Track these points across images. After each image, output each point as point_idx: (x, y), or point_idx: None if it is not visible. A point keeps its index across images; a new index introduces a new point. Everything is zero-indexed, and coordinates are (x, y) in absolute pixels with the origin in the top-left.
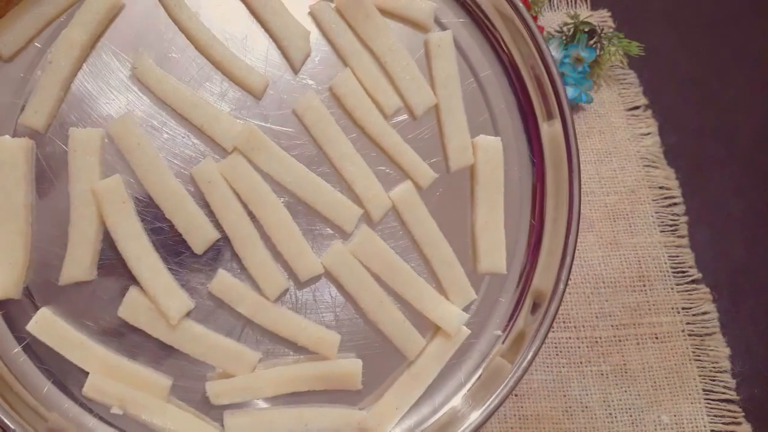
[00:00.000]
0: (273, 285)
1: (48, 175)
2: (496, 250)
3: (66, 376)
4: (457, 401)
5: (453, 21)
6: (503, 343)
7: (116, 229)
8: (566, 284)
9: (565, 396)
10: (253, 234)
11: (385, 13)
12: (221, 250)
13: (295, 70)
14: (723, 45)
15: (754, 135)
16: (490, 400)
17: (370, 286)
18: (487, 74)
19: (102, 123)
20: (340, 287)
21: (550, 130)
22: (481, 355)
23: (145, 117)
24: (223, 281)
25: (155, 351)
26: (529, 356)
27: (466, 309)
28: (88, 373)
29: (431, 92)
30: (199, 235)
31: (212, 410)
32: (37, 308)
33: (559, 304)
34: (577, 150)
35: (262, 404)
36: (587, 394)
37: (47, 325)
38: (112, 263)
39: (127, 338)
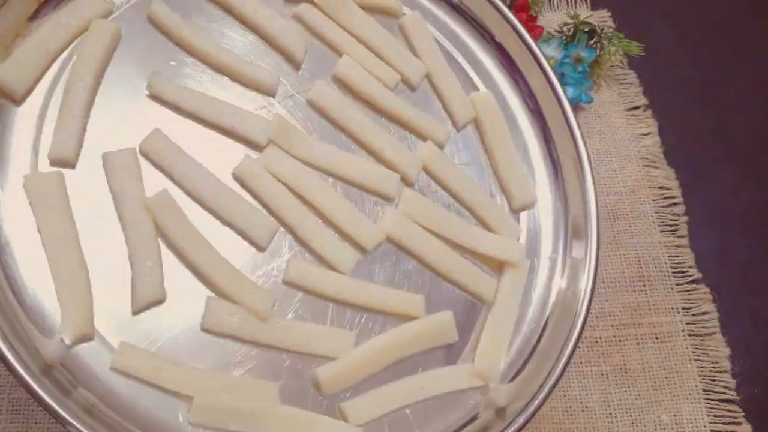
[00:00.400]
0: (345, 259)
1: (87, 205)
2: (522, 184)
3: (165, 405)
4: (543, 328)
5: (420, 2)
6: (563, 271)
7: (180, 241)
8: (597, 201)
9: (564, 396)
10: (312, 216)
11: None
12: (282, 242)
13: (297, 67)
14: (723, 45)
15: (754, 135)
16: (574, 321)
17: (431, 240)
18: (465, 44)
19: (131, 143)
20: (403, 249)
21: (535, 83)
22: (547, 279)
23: (173, 129)
24: (298, 268)
25: (250, 357)
26: (591, 279)
27: None
28: (187, 397)
29: (421, 62)
30: (261, 229)
31: (324, 405)
32: (114, 343)
33: (599, 223)
34: (565, 93)
35: (370, 387)
36: (587, 394)
37: (131, 357)
38: (179, 278)
39: (216, 351)
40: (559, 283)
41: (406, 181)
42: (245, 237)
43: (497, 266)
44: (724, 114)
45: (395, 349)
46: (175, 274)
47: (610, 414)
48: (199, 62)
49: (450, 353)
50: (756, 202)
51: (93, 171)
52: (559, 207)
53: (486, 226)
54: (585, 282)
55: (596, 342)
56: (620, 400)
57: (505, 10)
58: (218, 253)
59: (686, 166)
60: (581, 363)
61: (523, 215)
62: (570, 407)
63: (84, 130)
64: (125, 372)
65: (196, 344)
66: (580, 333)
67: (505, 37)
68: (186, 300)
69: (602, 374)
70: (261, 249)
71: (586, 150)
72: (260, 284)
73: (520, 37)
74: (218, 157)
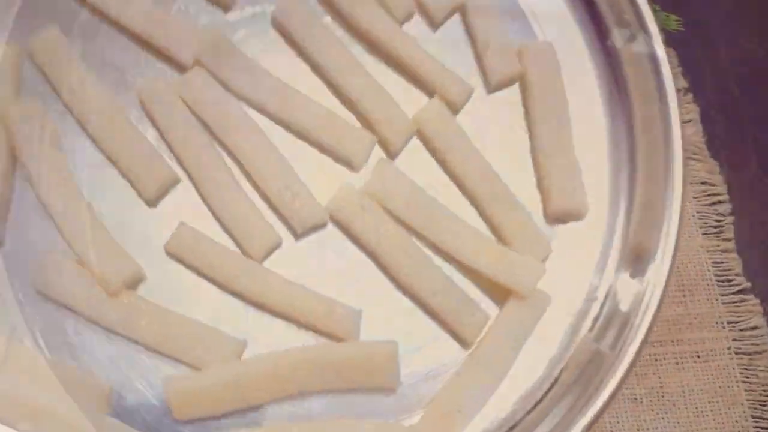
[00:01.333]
0: (258, 239)
1: None
2: (570, 184)
3: None
4: (543, 400)
5: None
6: (598, 320)
7: (37, 171)
8: (678, 236)
9: None
10: (227, 172)
11: None
12: (182, 197)
13: None
14: None
15: None
16: (592, 400)
17: (398, 236)
18: None
19: (20, 37)
20: (354, 241)
21: (627, 48)
22: (570, 329)
23: (78, 28)
24: (186, 237)
25: (88, 342)
26: (638, 338)
27: None
28: None
29: None
30: (152, 176)
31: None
32: None
33: (672, 266)
34: (669, 72)
35: (249, 422)
36: (618, 422)
37: None
38: (29, 220)
39: (47, 324)
40: (587, 336)
41: (386, 148)
42: (133, 185)
43: (499, 294)
44: None
45: (296, 380)
46: (26, 211)
47: None
48: None
49: (388, 401)
50: None
51: None
52: (617, 227)
53: (497, 234)
54: (632, 342)
55: None
56: (656, 428)
57: None
58: (82, 198)
59: (732, 159)
60: None
61: (559, 230)
62: None
63: None
64: None
65: (25, 308)
66: (596, 416)
67: None
68: (29, 248)
69: (636, 399)
70: (150, 203)
71: (683, 149)
72: (138, 249)
73: None
74: (130, 78)
